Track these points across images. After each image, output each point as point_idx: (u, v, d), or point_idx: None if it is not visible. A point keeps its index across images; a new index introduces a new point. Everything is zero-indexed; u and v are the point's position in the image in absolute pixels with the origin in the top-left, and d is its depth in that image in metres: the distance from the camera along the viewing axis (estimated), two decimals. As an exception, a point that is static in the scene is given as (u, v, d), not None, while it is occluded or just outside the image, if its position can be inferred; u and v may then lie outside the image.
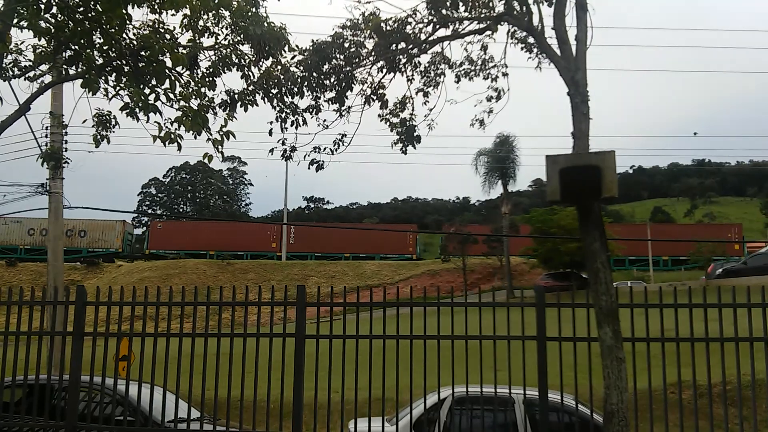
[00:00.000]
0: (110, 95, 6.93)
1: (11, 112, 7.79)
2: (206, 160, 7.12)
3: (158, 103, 6.49)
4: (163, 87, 6.58)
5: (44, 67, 8.73)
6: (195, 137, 7.08)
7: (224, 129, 7.20)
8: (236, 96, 8.11)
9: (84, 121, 7.89)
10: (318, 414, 8.39)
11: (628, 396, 5.57)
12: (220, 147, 7.10)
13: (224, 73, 8.26)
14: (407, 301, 8.49)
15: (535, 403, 8.26)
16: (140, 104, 6.33)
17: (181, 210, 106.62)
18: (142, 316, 8.62)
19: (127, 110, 6.79)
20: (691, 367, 7.63)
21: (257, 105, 8.50)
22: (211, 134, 7.17)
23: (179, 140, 6.56)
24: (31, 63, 8.42)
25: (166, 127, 6.54)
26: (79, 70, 7.01)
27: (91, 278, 55.69)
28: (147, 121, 6.52)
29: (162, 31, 7.15)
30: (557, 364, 8.02)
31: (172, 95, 6.56)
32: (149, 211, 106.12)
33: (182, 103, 6.60)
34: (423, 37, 8.00)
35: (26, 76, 8.06)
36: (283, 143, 8.45)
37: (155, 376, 8.43)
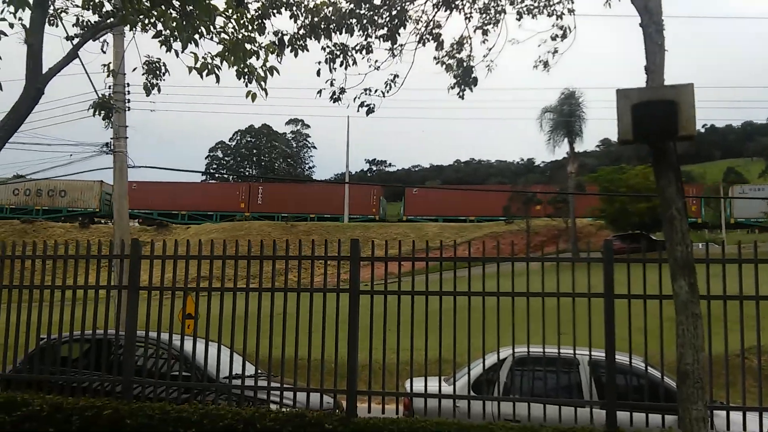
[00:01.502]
0: (156, 35, 6.61)
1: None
2: (250, 99, 6.80)
3: (196, 36, 6.16)
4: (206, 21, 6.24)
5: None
6: (238, 77, 6.73)
7: (267, 64, 6.84)
8: (284, 38, 7.74)
9: (134, 69, 7.64)
10: (374, 373, 8.14)
11: (704, 356, 5.07)
12: (263, 83, 6.76)
13: (273, 15, 7.90)
14: (465, 257, 8.10)
15: (601, 365, 7.80)
16: (175, 34, 6.01)
17: (247, 173, 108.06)
18: (208, 275, 8.49)
19: (161, 38, 6.47)
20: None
21: (308, 50, 8.13)
22: (254, 70, 6.80)
23: (217, 71, 6.23)
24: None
25: (203, 57, 6.22)
26: (124, 12, 6.74)
27: (159, 239, 57.00)
28: (183, 51, 6.19)
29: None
30: (626, 325, 7.53)
31: (213, 28, 6.21)
32: (217, 173, 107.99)
33: (223, 35, 6.25)
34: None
35: (76, 22, 7.87)
36: (332, 84, 8.06)
37: (214, 332, 8.32)
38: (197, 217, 62.66)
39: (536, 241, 48.26)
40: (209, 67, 6.07)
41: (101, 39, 9.35)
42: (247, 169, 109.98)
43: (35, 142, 21.94)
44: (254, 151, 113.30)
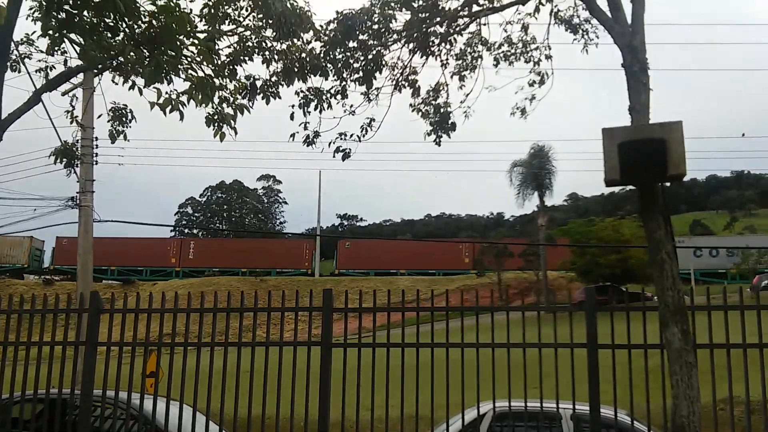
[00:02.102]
0: (117, 70, 6.33)
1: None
2: (218, 138, 6.51)
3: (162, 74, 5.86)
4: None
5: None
6: (207, 124, 6.45)
7: (237, 102, 6.57)
8: (256, 83, 7.51)
9: (99, 116, 7.34)
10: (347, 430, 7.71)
11: (700, 407, 4.80)
12: (232, 122, 6.48)
13: (245, 62, 7.69)
14: (442, 307, 7.78)
15: (584, 419, 7.45)
16: (138, 69, 5.71)
17: (217, 227, 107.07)
18: (175, 328, 8.06)
19: (119, 72, 6.18)
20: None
21: (280, 97, 7.91)
22: (222, 111, 6.53)
23: (182, 107, 5.93)
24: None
25: (167, 93, 5.92)
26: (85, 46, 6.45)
27: (128, 294, 55.76)
28: (146, 87, 5.88)
29: (178, 15, 6.54)
30: (609, 377, 7.23)
31: (180, 66, 5.93)
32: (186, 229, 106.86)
33: (190, 72, 5.97)
34: (458, 9, 7.29)
35: (39, 68, 7.59)
36: (305, 127, 7.82)
37: (175, 391, 7.84)
38: (126, 272, 61.49)
39: (510, 293, 48.10)
40: (173, 103, 5.77)
41: (70, 94, 9.08)
42: (217, 224, 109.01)
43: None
44: (225, 206, 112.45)
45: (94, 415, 8.18)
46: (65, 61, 8.44)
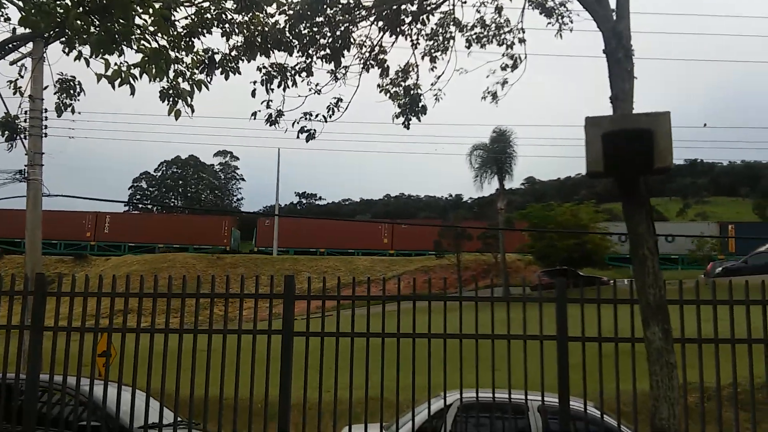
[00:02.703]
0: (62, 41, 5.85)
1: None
2: (173, 116, 6.08)
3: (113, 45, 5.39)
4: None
5: None
6: (162, 98, 6.02)
7: (195, 77, 6.14)
8: (215, 57, 7.08)
9: (45, 87, 6.84)
10: (308, 416, 7.45)
11: (680, 409, 4.64)
12: (189, 99, 6.06)
13: (204, 35, 7.24)
14: (410, 296, 7.55)
15: (551, 411, 7.33)
16: (84, 37, 5.24)
17: (172, 204, 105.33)
18: (127, 310, 7.70)
19: (66, 41, 5.69)
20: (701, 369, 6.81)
21: (240, 73, 7.49)
22: (177, 85, 6.10)
23: (133, 81, 5.50)
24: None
25: (116, 64, 5.48)
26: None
27: (78, 271, 54.54)
28: (93, 57, 5.42)
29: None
30: (578, 368, 7.10)
31: (132, 36, 5.47)
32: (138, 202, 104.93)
33: (143, 43, 5.52)
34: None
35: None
36: (268, 105, 7.42)
37: (127, 375, 7.48)
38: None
39: (467, 275, 48.29)
40: (122, 75, 5.33)
41: (19, 63, 8.56)
42: (173, 200, 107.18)
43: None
44: (180, 182, 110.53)
45: (41, 401, 7.79)
46: (14, 30, 7.93)
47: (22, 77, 8.21)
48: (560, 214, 44.45)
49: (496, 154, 48.30)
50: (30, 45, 13.76)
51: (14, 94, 7.54)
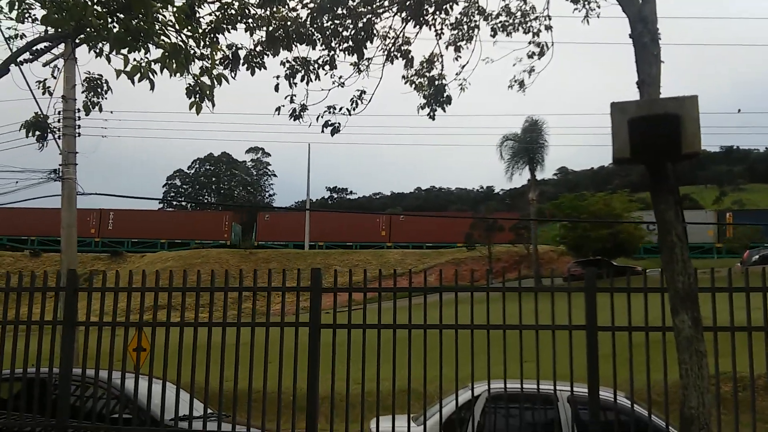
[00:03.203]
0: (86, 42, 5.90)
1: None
2: (194, 111, 6.11)
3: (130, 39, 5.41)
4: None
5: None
6: (188, 95, 6.03)
7: (215, 72, 6.14)
8: (239, 53, 7.10)
9: (72, 87, 6.92)
10: (336, 408, 7.46)
11: (710, 398, 4.55)
12: (210, 93, 6.07)
13: (228, 31, 7.26)
14: (436, 287, 7.51)
15: (581, 401, 7.24)
16: (104, 33, 5.26)
17: (206, 201, 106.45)
18: (157, 305, 7.82)
19: (86, 40, 5.71)
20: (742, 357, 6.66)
21: (265, 68, 7.50)
22: (198, 80, 6.10)
23: (151, 76, 5.52)
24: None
25: (135, 60, 5.50)
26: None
27: (114, 268, 55.43)
28: (114, 53, 5.44)
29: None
30: (608, 358, 7.00)
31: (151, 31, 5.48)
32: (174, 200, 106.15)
33: (163, 38, 5.53)
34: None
35: (5, 37, 7.15)
36: (292, 100, 7.42)
37: (158, 368, 7.58)
38: (46, 242, 61.13)
39: (498, 267, 48.10)
40: (142, 71, 5.36)
41: (52, 65, 8.66)
42: (206, 197, 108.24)
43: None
44: (213, 179, 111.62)
45: (75, 394, 7.92)
46: (45, 31, 8.03)
47: (55, 78, 8.32)
48: (593, 204, 44.01)
49: (527, 144, 47.90)
50: (62, 46, 14.00)
51: (43, 94, 7.64)
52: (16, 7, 5.95)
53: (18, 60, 7.22)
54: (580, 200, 46.31)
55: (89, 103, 7.61)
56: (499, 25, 7.87)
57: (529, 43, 7.87)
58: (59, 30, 5.78)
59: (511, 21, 7.84)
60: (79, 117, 18.86)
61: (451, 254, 54.98)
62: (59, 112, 18.46)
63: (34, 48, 7.27)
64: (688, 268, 4.56)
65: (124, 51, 5.27)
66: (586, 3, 7.56)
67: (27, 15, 7.10)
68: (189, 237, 62.97)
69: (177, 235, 62.58)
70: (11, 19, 7.23)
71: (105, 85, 7.58)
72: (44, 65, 8.46)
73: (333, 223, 62.68)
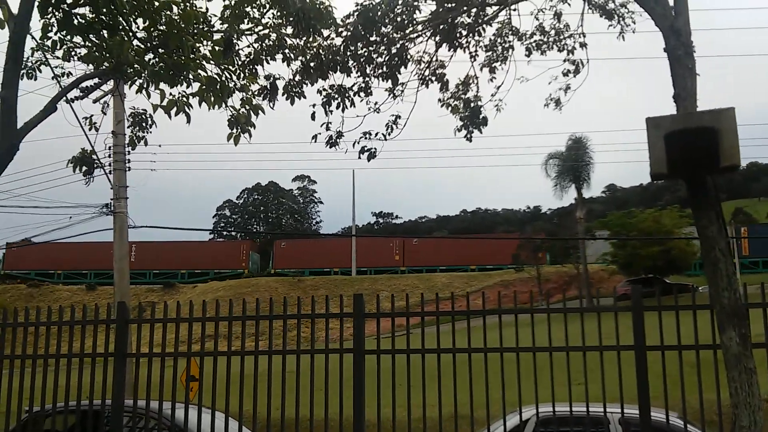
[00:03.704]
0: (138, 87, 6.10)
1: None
2: (232, 142, 6.22)
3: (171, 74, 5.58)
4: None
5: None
6: (230, 126, 6.17)
7: (252, 102, 6.27)
8: (276, 82, 7.24)
9: (119, 122, 7.12)
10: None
11: (762, 416, 4.41)
12: (246, 124, 6.18)
13: (267, 62, 7.42)
14: (479, 310, 7.45)
15: (633, 423, 7.07)
16: (151, 78, 5.44)
17: (254, 230, 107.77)
18: (205, 335, 7.93)
19: (126, 76, 5.88)
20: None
21: (305, 97, 7.64)
22: (238, 110, 6.23)
23: (188, 109, 5.66)
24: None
25: (171, 95, 5.66)
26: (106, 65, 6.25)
27: (167, 299, 56.35)
28: (154, 88, 5.62)
29: (183, 11, 6.22)
30: (659, 378, 6.83)
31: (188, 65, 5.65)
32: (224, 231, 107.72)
33: (199, 72, 5.69)
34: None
35: (54, 75, 7.40)
36: (327, 128, 7.51)
37: (207, 397, 7.67)
38: (72, 275, 62.70)
39: (548, 287, 47.49)
40: (177, 105, 5.50)
41: (102, 101, 8.93)
42: (255, 226, 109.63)
43: (33, 205, 21.58)
44: (261, 208, 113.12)
45: (127, 426, 8.05)
46: (96, 67, 8.32)
47: (104, 114, 8.59)
48: (642, 221, 43.16)
49: (571, 162, 47.42)
50: (111, 82, 14.45)
51: (90, 130, 7.89)
52: (58, 47, 6.18)
53: (69, 98, 7.49)
54: (628, 218, 45.47)
55: (135, 138, 7.83)
56: (534, 44, 7.87)
57: (564, 60, 7.84)
58: (101, 67, 5.98)
59: (545, 39, 7.83)
60: (128, 152, 19.39)
61: (500, 276, 54.54)
62: (109, 147, 19.01)
63: (83, 86, 7.53)
64: (733, 284, 4.45)
65: (164, 85, 5.43)
66: (620, 19, 7.51)
67: (73, 53, 7.37)
68: (208, 267, 64.02)
69: (197, 266, 63.55)
70: (58, 58, 7.51)
71: (150, 119, 7.80)
72: (94, 102, 8.74)
73: (348, 248, 63.13)
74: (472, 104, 7.76)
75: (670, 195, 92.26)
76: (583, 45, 7.80)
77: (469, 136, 7.77)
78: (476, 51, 7.75)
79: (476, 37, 7.62)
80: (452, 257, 60.64)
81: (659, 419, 6.91)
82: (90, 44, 5.48)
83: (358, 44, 6.94)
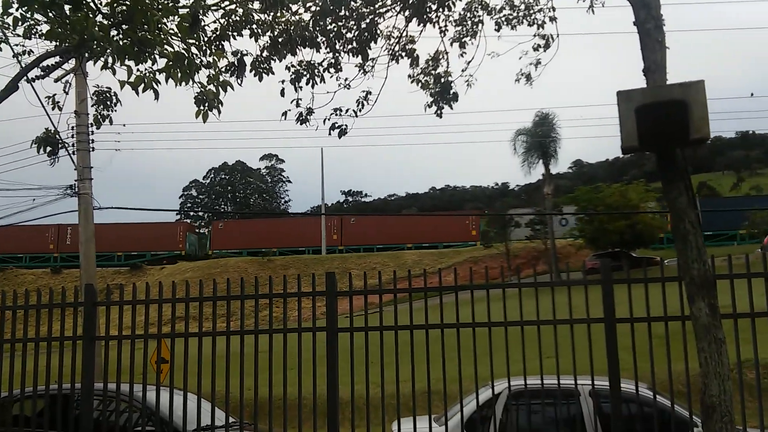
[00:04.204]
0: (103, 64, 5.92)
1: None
2: (201, 119, 6.10)
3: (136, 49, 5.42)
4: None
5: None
6: (197, 103, 6.05)
7: (219, 79, 6.15)
8: (245, 59, 7.10)
9: (82, 101, 6.96)
10: (356, 411, 7.46)
11: (731, 385, 4.49)
12: (215, 100, 6.07)
13: (234, 38, 7.28)
14: (451, 286, 7.47)
15: (603, 395, 7.18)
16: (111, 48, 5.29)
17: (222, 210, 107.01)
18: (175, 316, 7.85)
19: (91, 53, 5.72)
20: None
21: (273, 73, 7.51)
22: (205, 87, 6.10)
23: (155, 86, 5.53)
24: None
25: (138, 70, 5.52)
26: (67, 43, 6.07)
27: (135, 281, 55.83)
28: (119, 65, 5.47)
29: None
30: (628, 350, 6.93)
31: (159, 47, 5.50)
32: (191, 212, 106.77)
33: (166, 47, 5.54)
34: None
35: (14, 53, 7.18)
36: (298, 104, 7.42)
37: (179, 379, 7.61)
38: (6, 259, 62.02)
39: (516, 263, 47.91)
40: (145, 81, 5.37)
41: (63, 80, 8.71)
42: (222, 206, 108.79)
43: (-6, 187, 21.09)
44: (228, 188, 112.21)
45: (98, 409, 7.96)
46: (56, 46, 8.09)
47: (66, 93, 8.39)
48: (609, 196, 43.69)
49: (539, 138, 47.72)
50: (73, 61, 14.13)
51: (53, 109, 7.70)
52: (20, 24, 5.99)
53: (29, 77, 7.28)
54: (595, 192, 45.97)
55: (99, 117, 7.66)
56: (503, 18, 7.83)
57: (534, 35, 7.83)
58: (64, 44, 5.81)
59: (515, 14, 7.79)
60: (92, 131, 19.03)
61: (469, 252, 54.93)
62: (72, 128, 18.63)
63: (45, 64, 7.33)
64: (703, 255, 4.51)
65: (129, 62, 5.29)
66: (591, -12, 7.50)
67: (34, 31, 7.15)
68: (145, 249, 63.41)
69: (134, 248, 62.69)
70: (19, 35, 7.29)
71: (114, 97, 7.62)
72: (56, 81, 8.52)
73: (286, 228, 63.52)
74: (442, 80, 7.72)
75: (637, 170, 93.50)
76: (552, 19, 7.78)
77: (439, 112, 7.75)
78: (446, 26, 7.70)
79: (446, 12, 7.56)
80: (390, 236, 60.89)
81: (629, 390, 7.02)
82: (52, 20, 5.30)
83: (327, 19, 6.83)
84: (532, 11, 7.74)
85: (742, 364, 6.78)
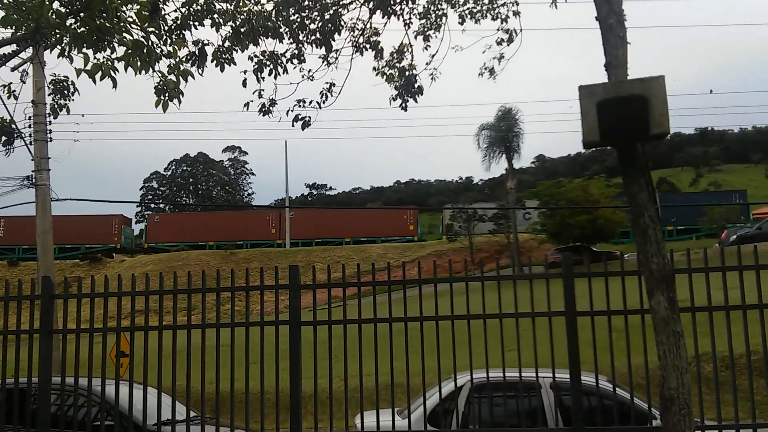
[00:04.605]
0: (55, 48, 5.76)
1: None
2: (160, 108, 6.00)
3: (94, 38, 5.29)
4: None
5: None
6: (157, 93, 5.94)
7: (180, 68, 6.05)
8: (205, 49, 6.99)
9: (39, 90, 6.78)
10: (319, 405, 7.43)
11: (689, 378, 4.55)
12: (175, 90, 5.97)
13: (195, 27, 7.16)
14: (415, 279, 7.48)
15: (564, 387, 7.26)
16: (71, 43, 5.15)
17: (184, 202, 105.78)
18: (134, 310, 7.71)
19: (47, 40, 5.56)
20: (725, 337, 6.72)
21: (235, 63, 7.42)
22: (165, 77, 6.00)
23: (113, 73, 5.42)
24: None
25: (96, 58, 5.39)
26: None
27: (94, 274, 54.97)
28: (77, 53, 5.33)
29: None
30: (588, 344, 7.01)
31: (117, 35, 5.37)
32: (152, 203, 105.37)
33: (125, 35, 5.43)
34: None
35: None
36: (260, 95, 7.34)
37: (139, 373, 7.50)
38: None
39: (480, 257, 48.26)
40: (103, 69, 5.25)
41: (20, 69, 8.51)
42: (184, 198, 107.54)
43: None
44: (190, 179, 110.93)
45: (56, 403, 7.82)
46: (13, 34, 7.89)
47: (24, 82, 8.19)
48: (570, 191, 44.22)
49: (502, 133, 48.03)
50: (30, 50, 13.81)
51: (8, 98, 7.50)
52: None
53: None
54: (557, 187, 46.48)
55: (56, 106, 7.48)
56: (467, 12, 7.83)
57: (498, 29, 7.85)
58: (19, 32, 5.65)
59: (478, 7, 7.80)
60: (50, 122, 18.63)
61: (433, 246, 55.18)
62: (29, 117, 18.22)
63: (1, 53, 7.13)
64: (662, 250, 4.56)
65: (87, 50, 5.17)
66: (553, -18, 7.54)
67: None
68: (79, 241, 62.91)
69: (67, 240, 61.54)
70: None
71: (72, 87, 7.45)
72: (12, 70, 8.34)
73: (225, 221, 63.33)
74: (407, 73, 7.70)
75: (598, 165, 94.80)
76: (516, 13, 7.81)
77: (404, 105, 7.73)
78: (410, 18, 7.69)
79: (410, 4, 7.54)
80: (329, 230, 61.26)
81: (589, 383, 7.11)
82: (7, 6, 5.14)
83: (290, 9, 6.76)
84: (495, 5, 7.76)
85: (700, 358, 6.92)
